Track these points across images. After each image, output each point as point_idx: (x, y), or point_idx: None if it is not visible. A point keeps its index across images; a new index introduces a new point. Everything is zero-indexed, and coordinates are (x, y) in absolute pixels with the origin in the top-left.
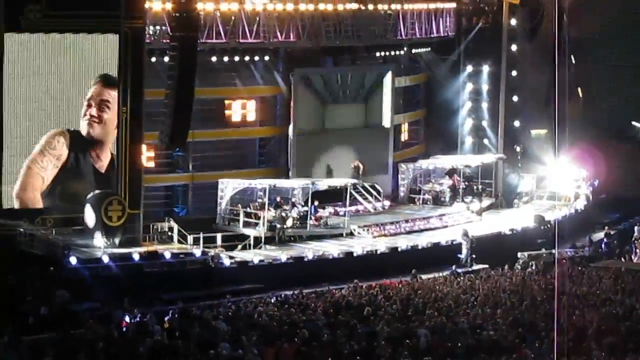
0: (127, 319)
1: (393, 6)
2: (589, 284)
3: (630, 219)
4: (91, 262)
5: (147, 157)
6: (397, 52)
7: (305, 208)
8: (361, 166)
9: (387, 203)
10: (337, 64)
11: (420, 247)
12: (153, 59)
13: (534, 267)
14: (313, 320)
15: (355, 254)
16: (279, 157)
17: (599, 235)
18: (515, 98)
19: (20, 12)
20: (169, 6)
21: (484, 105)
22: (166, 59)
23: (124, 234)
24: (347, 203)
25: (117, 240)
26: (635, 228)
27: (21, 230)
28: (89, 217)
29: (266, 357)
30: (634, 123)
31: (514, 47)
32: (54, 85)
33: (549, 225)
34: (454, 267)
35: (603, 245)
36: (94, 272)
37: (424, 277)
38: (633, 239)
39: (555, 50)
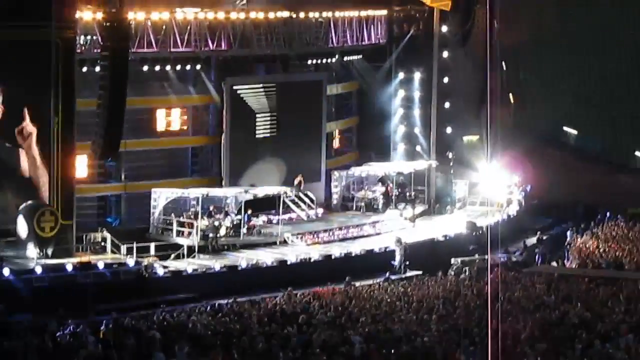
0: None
1: (324, 14)
2: (523, 289)
3: (562, 224)
4: (24, 273)
5: (80, 167)
6: (329, 60)
7: (239, 217)
8: (302, 182)
9: (320, 211)
10: (269, 72)
11: (353, 255)
12: (84, 69)
13: (467, 273)
14: (247, 329)
15: (289, 262)
16: (211, 166)
17: (532, 240)
18: (447, 104)
19: None
20: (99, 16)
21: (416, 112)
22: (97, 69)
23: (57, 244)
24: (281, 211)
25: (49, 251)
26: (568, 233)
27: None
28: (22, 228)
29: None
30: (565, 129)
31: (445, 54)
32: None
33: (481, 231)
34: (387, 274)
35: (536, 251)
36: (27, 283)
37: (357, 284)
38: (566, 244)
39: (486, 56)
